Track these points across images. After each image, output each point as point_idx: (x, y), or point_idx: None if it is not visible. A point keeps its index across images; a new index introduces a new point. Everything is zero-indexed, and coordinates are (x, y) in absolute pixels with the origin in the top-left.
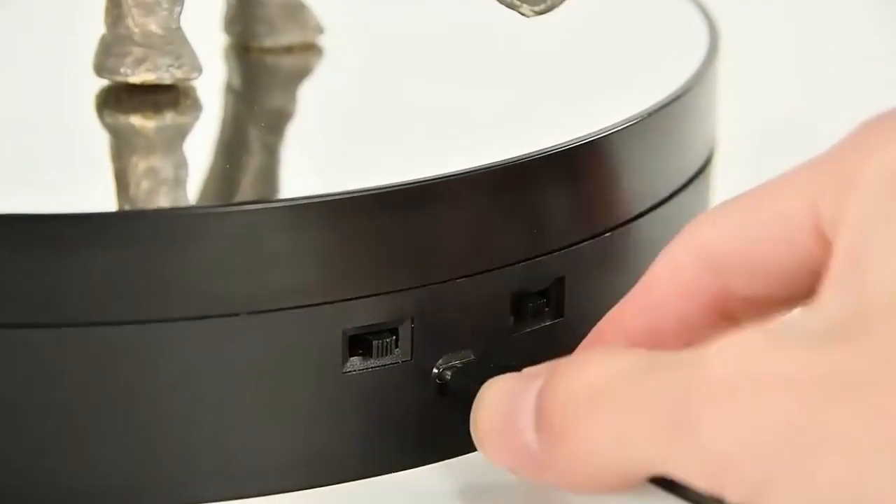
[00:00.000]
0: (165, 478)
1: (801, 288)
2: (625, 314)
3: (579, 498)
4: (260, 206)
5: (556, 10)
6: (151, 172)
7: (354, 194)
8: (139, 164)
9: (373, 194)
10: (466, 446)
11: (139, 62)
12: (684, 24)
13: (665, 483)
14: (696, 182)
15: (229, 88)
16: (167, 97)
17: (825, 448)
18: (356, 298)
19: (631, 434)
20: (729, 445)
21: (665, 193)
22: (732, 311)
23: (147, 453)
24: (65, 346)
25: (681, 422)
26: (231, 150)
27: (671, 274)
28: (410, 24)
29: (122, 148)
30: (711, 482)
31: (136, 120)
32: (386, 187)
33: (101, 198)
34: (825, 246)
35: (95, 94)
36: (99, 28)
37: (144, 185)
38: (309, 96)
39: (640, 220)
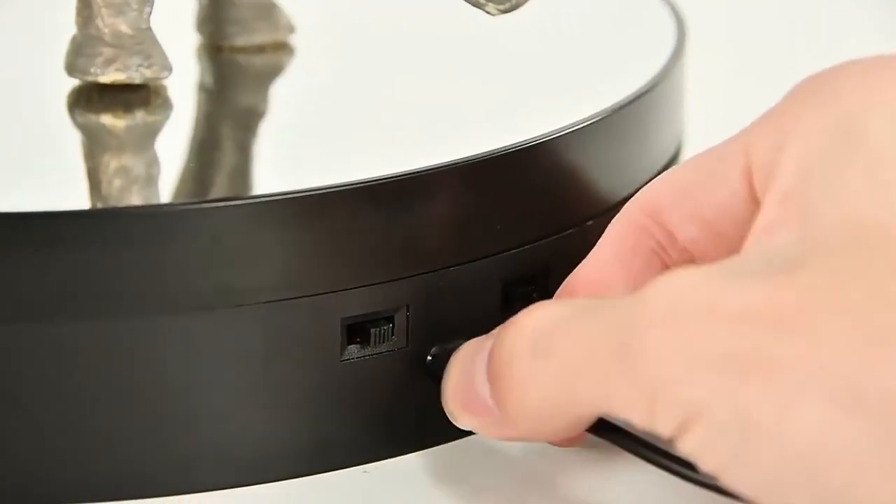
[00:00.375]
0: (164, 467)
1: (731, 239)
2: (577, 276)
3: (569, 477)
4: (258, 199)
5: (521, 9)
6: (123, 171)
7: (350, 186)
8: (111, 163)
9: (369, 186)
10: (461, 431)
11: (109, 62)
12: (653, 20)
13: (604, 431)
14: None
15: (202, 88)
16: (137, 97)
17: (757, 374)
18: (353, 288)
19: (574, 376)
20: (665, 370)
21: (640, 183)
22: (674, 264)
23: (145, 443)
24: (67, 341)
25: (622, 354)
26: (204, 148)
27: (620, 227)
28: (380, 24)
29: (94, 147)
30: (646, 413)
31: (107, 119)
32: (382, 179)
33: (73, 196)
34: (752, 193)
35: (67, 94)
36: (70, 28)
37: (116, 183)
38: (281, 95)
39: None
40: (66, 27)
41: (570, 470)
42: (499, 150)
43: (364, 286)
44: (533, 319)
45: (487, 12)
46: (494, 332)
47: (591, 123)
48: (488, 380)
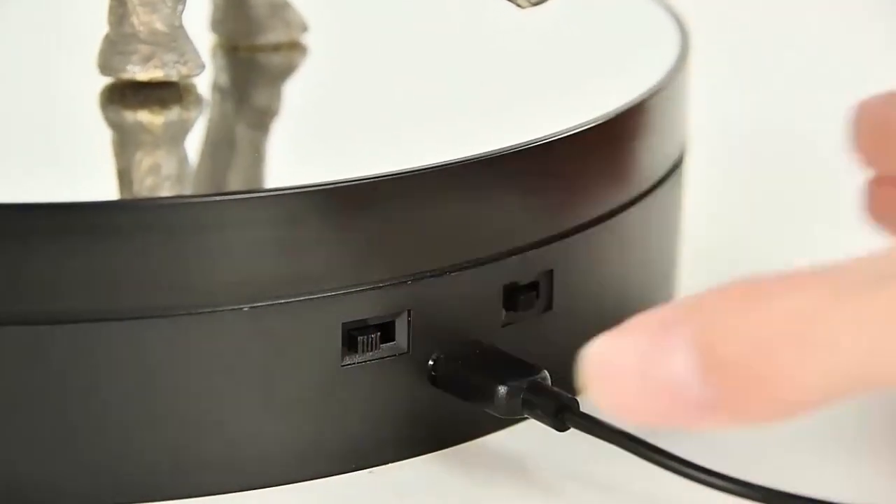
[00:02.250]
0: (162, 471)
1: None
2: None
3: (576, 483)
4: (256, 195)
5: (549, 2)
6: (155, 169)
7: (349, 184)
8: (143, 161)
9: (368, 184)
10: (462, 436)
11: (146, 59)
12: (656, 25)
13: (591, 425)
14: (673, 175)
15: (216, 87)
16: (171, 94)
17: None
18: (354, 292)
19: (870, 354)
20: None
21: (645, 187)
22: None
23: (144, 447)
24: (62, 343)
25: None
26: (218, 147)
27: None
28: (393, 22)
29: (127, 144)
30: None
31: (144, 116)
32: (378, 177)
33: (103, 194)
34: None
35: (99, 92)
36: (98, 26)
37: (148, 181)
38: (294, 94)
39: (623, 214)
40: (88, 23)
41: (577, 476)
42: (501, 151)
43: (365, 290)
44: (784, 304)
45: (518, 5)
46: (661, 318)
47: (595, 126)
48: (709, 368)
